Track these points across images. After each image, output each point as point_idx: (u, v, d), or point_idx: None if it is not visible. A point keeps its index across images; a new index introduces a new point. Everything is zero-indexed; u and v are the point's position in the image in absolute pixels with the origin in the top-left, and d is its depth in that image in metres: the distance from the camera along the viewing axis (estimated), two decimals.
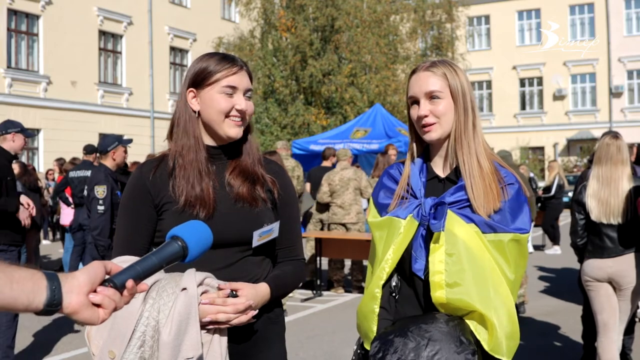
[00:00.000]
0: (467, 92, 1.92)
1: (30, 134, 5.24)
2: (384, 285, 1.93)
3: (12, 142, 4.99)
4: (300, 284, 2.10)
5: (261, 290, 1.83)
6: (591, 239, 4.10)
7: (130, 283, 1.17)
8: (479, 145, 1.91)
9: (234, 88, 1.83)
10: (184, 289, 1.66)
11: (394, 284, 1.97)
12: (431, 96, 1.91)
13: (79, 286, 1.12)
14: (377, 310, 1.93)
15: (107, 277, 1.18)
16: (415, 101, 1.95)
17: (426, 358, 1.71)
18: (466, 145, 1.90)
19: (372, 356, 1.80)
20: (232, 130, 1.85)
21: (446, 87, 1.90)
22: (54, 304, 1.09)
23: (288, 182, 2.01)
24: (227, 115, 1.84)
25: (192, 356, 1.64)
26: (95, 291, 1.14)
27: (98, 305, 1.14)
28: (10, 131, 4.99)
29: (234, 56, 1.89)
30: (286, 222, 1.96)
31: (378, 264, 1.94)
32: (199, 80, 1.85)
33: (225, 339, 1.74)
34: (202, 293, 1.70)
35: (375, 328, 1.92)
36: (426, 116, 1.90)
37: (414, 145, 2.02)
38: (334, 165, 9.30)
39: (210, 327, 1.70)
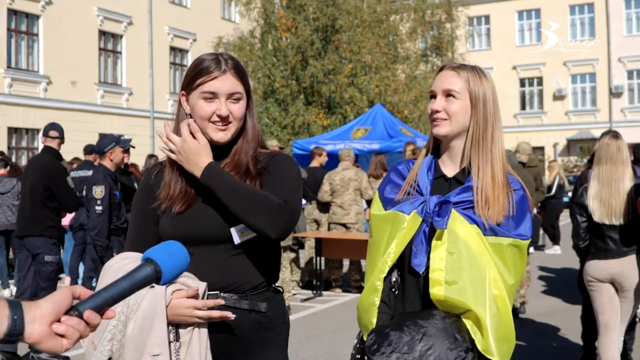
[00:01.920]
0: (488, 101, 1.95)
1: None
2: (384, 279, 1.96)
3: (60, 143, 5.71)
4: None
5: (203, 155, 1.82)
6: (594, 241, 4.08)
7: (87, 314, 1.13)
8: (495, 156, 1.95)
9: (213, 94, 1.82)
10: (152, 286, 1.67)
11: (394, 279, 1.99)
12: (448, 94, 1.95)
13: (42, 316, 1.10)
14: (377, 302, 1.95)
15: (75, 301, 1.15)
16: (433, 96, 2.00)
17: (419, 352, 1.74)
18: (482, 153, 1.94)
19: (367, 347, 1.83)
20: (215, 134, 1.85)
21: (465, 90, 1.94)
22: (14, 334, 1.07)
23: (281, 157, 1.94)
24: (209, 121, 1.84)
25: (158, 353, 1.65)
26: (59, 320, 1.12)
27: (62, 335, 1.12)
28: (63, 135, 5.73)
29: (220, 58, 1.85)
30: (272, 181, 1.86)
31: (380, 257, 1.97)
32: (186, 84, 1.88)
33: (205, 338, 1.74)
34: (175, 291, 1.71)
35: (375, 321, 1.94)
36: (438, 111, 1.95)
37: (432, 141, 2.07)
38: (322, 166, 9.29)
39: (183, 322, 1.70)
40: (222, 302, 1.76)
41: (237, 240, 1.83)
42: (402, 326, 1.81)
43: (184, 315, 1.70)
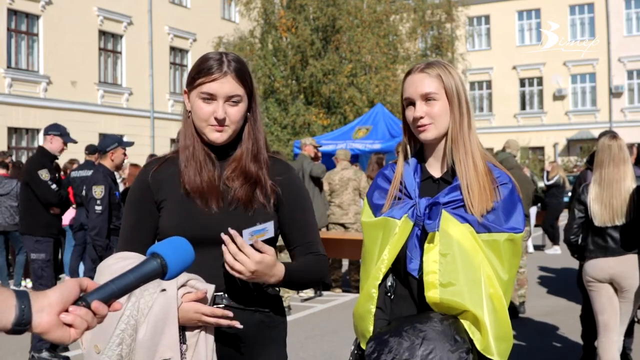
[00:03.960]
0: (461, 92, 1.93)
1: (69, 139, 5.78)
2: (379, 286, 1.94)
3: (50, 144, 5.66)
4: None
5: (277, 266, 1.79)
6: (594, 239, 4.07)
7: (95, 304, 1.14)
8: (474, 146, 1.93)
9: (211, 95, 1.82)
10: (164, 289, 1.66)
11: (389, 284, 1.98)
12: (427, 98, 1.92)
13: (49, 306, 1.11)
14: (373, 310, 1.93)
15: (82, 294, 1.16)
16: (410, 102, 1.96)
17: (420, 357, 1.72)
18: (462, 146, 1.92)
19: (367, 356, 1.81)
20: (212, 135, 1.85)
21: (441, 89, 1.92)
22: (22, 323, 1.08)
23: (293, 181, 1.97)
24: (206, 122, 1.84)
25: (169, 357, 1.64)
26: (67, 310, 1.13)
27: (70, 325, 1.13)
28: (50, 133, 5.65)
29: (224, 60, 1.84)
30: (293, 220, 1.93)
31: (374, 265, 1.95)
32: (188, 82, 1.88)
33: (211, 341, 1.73)
34: (185, 294, 1.70)
35: (371, 328, 1.93)
36: (422, 117, 1.92)
37: (408, 145, 2.04)
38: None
39: (190, 325, 1.70)
40: (230, 314, 1.75)
41: (247, 242, 1.83)
42: (401, 332, 1.79)
43: (192, 319, 1.71)
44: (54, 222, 5.73)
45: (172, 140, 22.88)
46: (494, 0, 33.61)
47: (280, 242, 2.02)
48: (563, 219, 13.57)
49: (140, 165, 10.10)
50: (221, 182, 1.87)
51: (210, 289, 1.75)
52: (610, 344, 4.02)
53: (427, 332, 1.76)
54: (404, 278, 1.95)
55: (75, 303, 1.14)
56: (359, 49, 20.82)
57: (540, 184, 13.70)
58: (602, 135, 4.16)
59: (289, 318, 6.82)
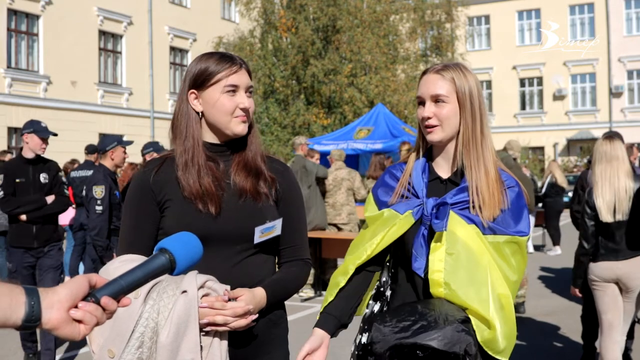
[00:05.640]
0: (475, 97, 1.93)
1: (45, 134, 5.30)
2: (361, 268, 1.98)
3: (27, 144, 5.25)
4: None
5: (258, 295, 1.81)
6: (603, 243, 4.06)
7: (105, 300, 1.14)
8: (486, 152, 1.93)
9: (236, 87, 1.85)
10: (184, 291, 1.65)
11: (384, 279, 2.01)
12: (436, 99, 1.93)
13: (59, 302, 1.11)
14: (342, 284, 1.98)
15: (91, 290, 1.16)
16: (421, 102, 1.97)
17: (420, 313, 1.77)
18: (474, 151, 1.92)
19: (366, 320, 1.88)
20: (238, 127, 1.86)
21: (453, 92, 1.92)
22: (32, 319, 1.08)
23: (291, 180, 2.00)
24: (232, 114, 1.85)
25: (190, 358, 1.64)
26: (76, 306, 1.13)
27: (79, 321, 1.13)
28: (24, 132, 5.23)
29: (232, 55, 1.90)
30: (289, 220, 1.95)
31: (361, 245, 1.98)
32: (200, 82, 1.86)
33: (225, 342, 1.73)
34: (203, 296, 1.69)
35: (331, 299, 1.98)
36: (429, 118, 1.93)
37: (420, 144, 2.05)
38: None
39: (209, 329, 1.69)
40: (254, 317, 1.76)
41: (257, 239, 1.85)
42: (404, 304, 1.87)
43: (211, 323, 1.71)
44: (24, 231, 5.14)
45: None
46: (494, 0, 33.61)
47: None
48: (563, 219, 13.57)
49: (138, 164, 10.10)
50: (230, 178, 1.88)
51: (226, 289, 1.75)
52: (612, 344, 4.02)
53: (430, 300, 1.84)
54: (409, 277, 1.97)
55: (84, 299, 1.14)
56: (359, 49, 20.82)
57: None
58: (602, 136, 4.19)
59: (289, 318, 6.80)
